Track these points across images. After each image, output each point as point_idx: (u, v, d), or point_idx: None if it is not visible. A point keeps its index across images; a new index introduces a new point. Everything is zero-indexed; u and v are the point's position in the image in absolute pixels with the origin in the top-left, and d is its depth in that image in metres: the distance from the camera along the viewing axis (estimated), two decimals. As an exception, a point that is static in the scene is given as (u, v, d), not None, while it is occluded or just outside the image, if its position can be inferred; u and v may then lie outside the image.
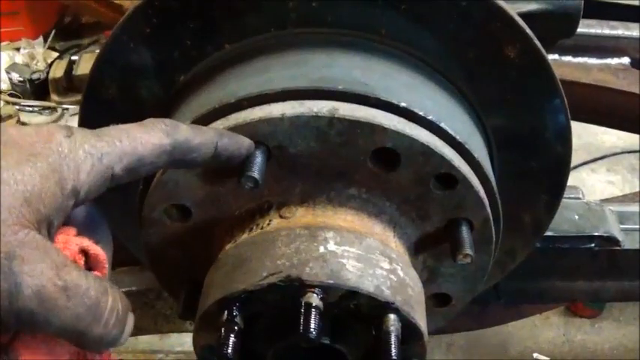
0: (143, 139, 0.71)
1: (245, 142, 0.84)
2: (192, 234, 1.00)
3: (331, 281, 0.84)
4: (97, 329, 0.62)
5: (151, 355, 2.56)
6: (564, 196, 1.19)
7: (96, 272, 0.68)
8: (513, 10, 1.61)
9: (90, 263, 0.68)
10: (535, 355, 2.58)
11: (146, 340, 2.50)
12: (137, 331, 1.64)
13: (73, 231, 0.67)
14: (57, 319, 0.59)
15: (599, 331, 2.64)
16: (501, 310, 1.73)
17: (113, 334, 0.65)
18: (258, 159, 0.87)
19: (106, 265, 0.69)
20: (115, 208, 1.20)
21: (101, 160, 0.67)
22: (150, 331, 1.69)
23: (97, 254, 0.68)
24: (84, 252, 0.67)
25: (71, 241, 0.66)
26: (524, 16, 1.58)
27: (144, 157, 0.71)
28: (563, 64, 1.92)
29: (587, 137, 3.23)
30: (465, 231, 0.95)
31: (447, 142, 0.92)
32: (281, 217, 0.93)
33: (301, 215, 0.93)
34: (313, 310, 0.81)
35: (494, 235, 1.00)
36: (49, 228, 0.62)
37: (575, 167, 3.15)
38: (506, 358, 2.56)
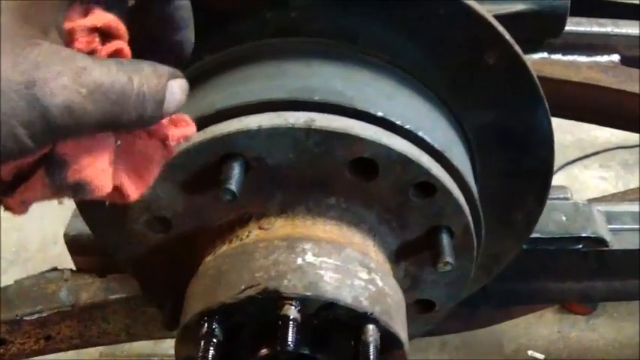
0: None
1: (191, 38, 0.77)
2: (175, 245, 1.00)
3: (309, 293, 0.84)
4: (126, 116, 0.62)
5: (145, 358, 2.55)
6: (552, 196, 1.19)
7: (116, 41, 0.65)
8: (499, 10, 1.62)
9: (105, 34, 0.65)
10: (530, 352, 2.58)
11: (141, 344, 2.50)
12: (129, 337, 1.64)
13: (76, 13, 0.64)
14: (88, 123, 0.59)
15: (593, 328, 2.64)
16: (491, 312, 1.73)
17: (146, 113, 0.64)
18: (236, 171, 0.87)
19: (122, 28, 0.65)
20: (101, 216, 1.20)
21: None
22: (141, 337, 1.68)
23: (109, 24, 0.64)
24: (94, 29, 0.64)
25: (76, 27, 0.63)
26: (510, 16, 1.59)
27: None
28: (553, 63, 1.91)
29: (580, 133, 3.21)
30: (445, 239, 0.95)
31: (425, 151, 0.92)
32: (260, 228, 0.93)
33: (280, 226, 0.93)
34: (291, 322, 0.81)
35: (475, 242, 1.00)
36: (57, 29, 0.61)
37: (568, 163, 3.14)
38: (501, 355, 2.56)
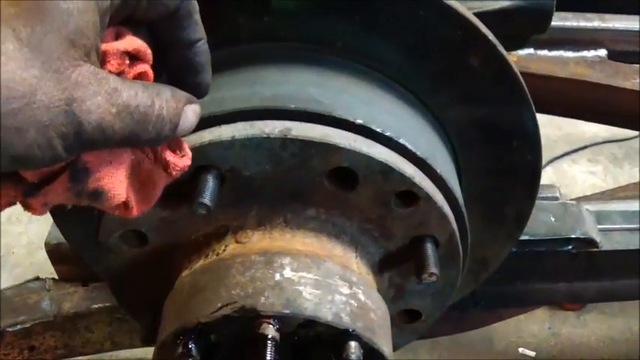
0: None
1: (209, 73, 0.82)
2: (151, 259, 0.97)
3: (287, 311, 0.81)
4: (145, 136, 0.68)
5: (133, 363, 2.52)
6: (541, 195, 1.16)
7: (141, 64, 0.71)
8: (485, 7, 1.59)
9: (133, 57, 0.71)
10: (520, 349, 2.56)
11: (128, 349, 2.47)
12: (114, 346, 1.62)
13: (110, 35, 0.70)
14: (112, 139, 0.65)
15: (584, 324, 2.62)
16: (481, 314, 1.71)
17: (162, 134, 0.70)
18: (210, 183, 0.83)
19: (149, 52, 0.71)
20: (77, 229, 1.17)
21: None
22: (125, 346, 1.66)
23: (137, 49, 0.70)
24: (125, 52, 0.69)
25: (110, 50, 0.68)
26: (495, 13, 1.56)
27: None
28: (539, 58, 1.89)
29: (568, 128, 3.19)
30: (429, 248, 0.92)
31: (407, 159, 0.89)
32: (237, 242, 0.90)
33: (257, 240, 0.90)
34: (269, 341, 0.78)
35: (461, 251, 0.97)
36: (96, 52, 0.66)
37: (556, 158, 3.11)
38: (492, 354, 2.54)
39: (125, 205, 0.74)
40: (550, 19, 1.58)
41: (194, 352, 0.82)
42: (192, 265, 0.91)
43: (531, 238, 1.38)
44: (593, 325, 2.62)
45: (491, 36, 0.97)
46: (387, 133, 0.88)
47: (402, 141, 0.89)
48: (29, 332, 1.50)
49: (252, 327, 0.80)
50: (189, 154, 0.77)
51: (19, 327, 1.49)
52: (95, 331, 1.57)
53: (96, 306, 1.53)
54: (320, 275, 0.85)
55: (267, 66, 0.94)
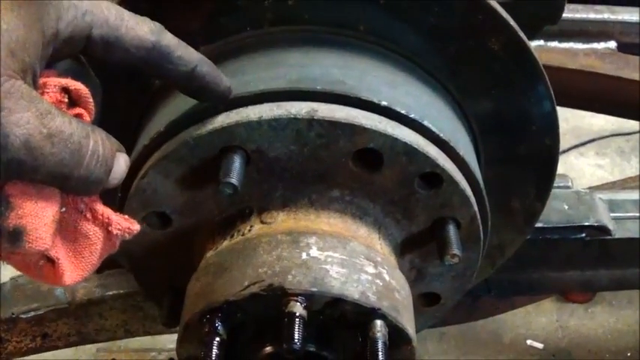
0: (130, 23, 0.72)
1: (224, 81, 0.83)
2: (174, 241, 0.97)
3: (315, 289, 0.82)
4: (78, 172, 0.65)
5: (143, 353, 2.53)
6: (553, 185, 1.17)
7: (79, 108, 0.69)
8: (497, -2, 1.59)
9: (73, 99, 0.69)
10: (529, 341, 2.57)
11: (138, 339, 2.48)
12: (127, 333, 1.62)
13: (52, 73, 0.68)
14: (43, 166, 0.61)
15: (592, 316, 2.63)
16: (493, 302, 1.72)
17: (95, 175, 0.67)
18: (236, 164, 0.84)
19: (90, 100, 0.70)
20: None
21: (84, 16, 0.68)
22: (139, 333, 1.66)
23: (77, 89, 0.68)
24: (65, 90, 0.68)
25: (50, 82, 0.67)
26: (508, 3, 1.57)
27: (123, 39, 0.72)
28: (549, 50, 1.89)
29: (575, 121, 3.20)
30: (451, 230, 0.93)
31: (430, 140, 0.90)
32: (262, 222, 0.91)
33: (283, 220, 0.91)
34: (297, 319, 0.79)
35: (482, 233, 0.98)
36: (33, 76, 0.63)
37: (564, 151, 3.12)
38: (500, 345, 2.54)
39: (54, 268, 0.70)
40: (562, 9, 1.58)
41: (221, 330, 0.83)
42: (216, 246, 0.92)
43: (545, 226, 1.38)
44: (601, 317, 2.62)
45: (512, 21, 0.98)
46: (412, 115, 0.89)
47: (425, 123, 0.90)
48: (42, 319, 1.50)
49: (280, 305, 0.81)
50: (136, 224, 0.74)
51: (32, 314, 1.49)
52: (109, 319, 1.56)
53: (110, 293, 1.52)
54: (346, 255, 0.86)
55: (291, 49, 0.94)
